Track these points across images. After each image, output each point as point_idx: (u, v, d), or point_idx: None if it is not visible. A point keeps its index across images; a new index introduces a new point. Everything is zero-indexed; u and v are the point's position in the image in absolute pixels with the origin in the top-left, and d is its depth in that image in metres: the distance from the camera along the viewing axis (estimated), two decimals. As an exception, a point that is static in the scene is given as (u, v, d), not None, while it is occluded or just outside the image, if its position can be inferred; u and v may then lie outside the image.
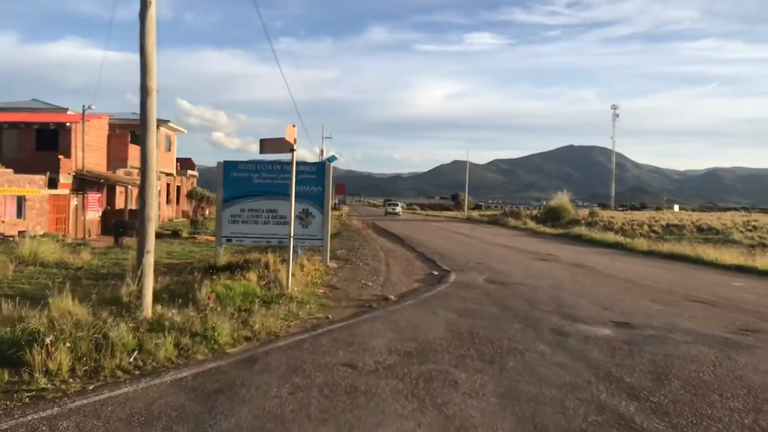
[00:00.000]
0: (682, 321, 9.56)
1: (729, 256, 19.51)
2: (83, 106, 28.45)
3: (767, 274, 16.77)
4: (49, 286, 8.96)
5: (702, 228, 34.76)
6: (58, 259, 14.89)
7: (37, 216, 24.26)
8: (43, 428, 4.72)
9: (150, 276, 8.31)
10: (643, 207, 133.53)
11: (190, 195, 40.02)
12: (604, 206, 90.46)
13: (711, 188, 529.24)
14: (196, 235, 26.05)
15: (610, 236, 29.68)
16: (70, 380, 5.86)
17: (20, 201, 23.30)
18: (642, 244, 25.22)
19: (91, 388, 5.70)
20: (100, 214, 29.39)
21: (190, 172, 47.04)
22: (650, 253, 22.95)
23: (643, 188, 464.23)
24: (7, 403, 5.25)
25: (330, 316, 9.29)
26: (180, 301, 8.35)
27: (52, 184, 25.42)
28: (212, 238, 19.31)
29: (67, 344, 6.23)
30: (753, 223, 36.91)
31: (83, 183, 27.84)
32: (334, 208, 54.64)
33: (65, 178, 26.45)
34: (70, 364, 6.10)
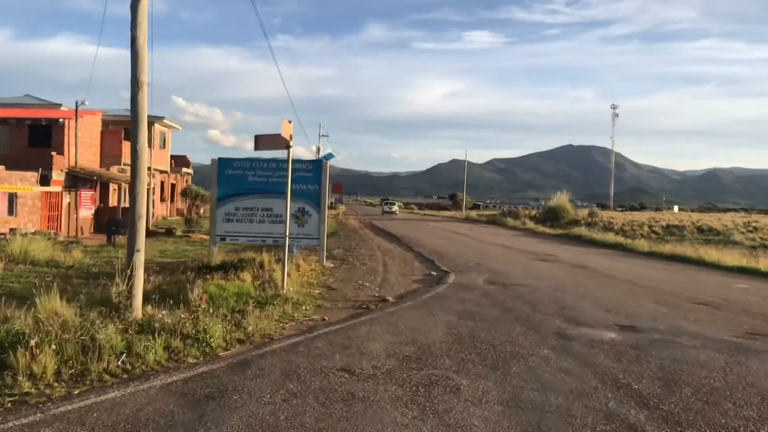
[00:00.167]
0: (688, 324, 9.32)
1: (731, 257, 19.33)
2: (76, 102, 28.08)
3: (770, 276, 16.56)
4: (38, 286, 8.68)
5: (702, 229, 34.61)
6: (48, 257, 14.60)
7: (29, 213, 23.92)
8: (23, 436, 4.48)
9: (140, 276, 8.04)
10: (642, 207, 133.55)
11: (185, 193, 39.59)
12: (603, 206, 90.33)
13: (710, 189, 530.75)
14: (190, 234, 25.77)
15: (611, 237, 29.50)
16: (55, 384, 5.66)
17: (11, 198, 22.95)
18: (643, 245, 25.04)
19: (76, 392, 5.50)
20: (93, 211, 29.03)
21: (184, 169, 46.66)
22: (651, 254, 22.77)
23: (641, 188, 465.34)
24: (-12, 408, 5.01)
25: (326, 318, 9.04)
26: (171, 301, 8.07)
27: (45, 181, 25.07)
28: (207, 237, 19.05)
29: (53, 346, 6.03)
30: (754, 225, 36.77)
31: (76, 180, 27.49)
32: (331, 207, 54.40)
33: (58, 175, 26.09)
34: (56, 367, 5.90)
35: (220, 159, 14.61)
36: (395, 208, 72.64)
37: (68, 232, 25.88)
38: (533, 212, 56.18)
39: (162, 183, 41.14)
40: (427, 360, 6.83)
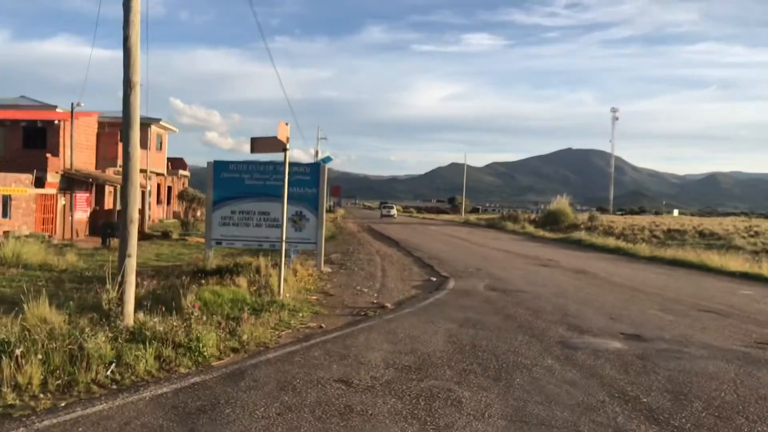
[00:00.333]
0: (695, 333, 9.09)
1: (734, 262, 19.09)
2: (72, 103, 27.83)
3: (775, 282, 16.33)
4: (28, 291, 8.45)
5: (704, 233, 34.39)
6: (42, 260, 14.37)
7: (23, 216, 23.67)
8: (4, 452, 4.27)
9: (132, 282, 7.80)
10: (642, 211, 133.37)
11: (182, 195, 39.37)
12: (602, 210, 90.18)
13: (710, 193, 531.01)
14: (186, 237, 25.56)
15: (611, 241, 29.27)
16: (41, 396, 5.43)
17: (6, 200, 22.72)
18: (644, 249, 24.80)
19: (63, 405, 5.28)
20: (89, 214, 28.79)
21: (181, 172, 46.36)
22: (653, 259, 22.49)
23: (641, 192, 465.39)
24: (-32, 422, 4.79)
25: (323, 326, 8.81)
26: (164, 308, 7.83)
27: (39, 183, 24.83)
28: (203, 240, 18.81)
29: (40, 356, 5.80)
30: (755, 229, 36.57)
31: (71, 182, 27.23)
32: (329, 211, 54.19)
33: (53, 177, 25.84)
34: (42, 377, 5.67)
35: (216, 162, 14.38)
36: (393, 211, 72.72)
37: (63, 235, 25.64)
38: (533, 216, 55.94)
39: (158, 185, 40.88)
40: (427, 370, 6.59)
